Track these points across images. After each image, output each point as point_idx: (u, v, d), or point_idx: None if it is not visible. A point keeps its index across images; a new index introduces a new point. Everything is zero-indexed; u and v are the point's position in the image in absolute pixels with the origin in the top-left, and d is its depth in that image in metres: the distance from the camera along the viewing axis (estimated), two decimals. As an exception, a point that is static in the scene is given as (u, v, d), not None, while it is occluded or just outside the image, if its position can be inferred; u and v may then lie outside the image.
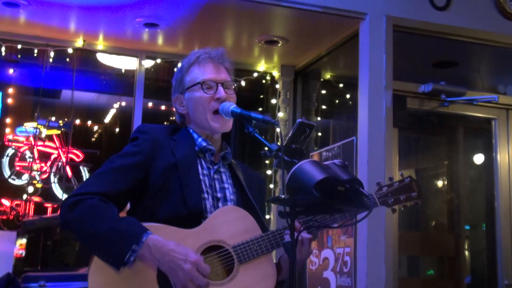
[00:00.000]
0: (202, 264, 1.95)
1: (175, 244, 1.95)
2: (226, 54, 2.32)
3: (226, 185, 2.23)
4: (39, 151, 5.80)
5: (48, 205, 5.67)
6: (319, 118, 5.65)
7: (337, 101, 5.75)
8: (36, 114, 5.70)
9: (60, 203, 2.07)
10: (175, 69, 2.37)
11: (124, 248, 1.92)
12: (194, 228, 2.06)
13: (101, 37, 5.20)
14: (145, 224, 2.00)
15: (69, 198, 2.02)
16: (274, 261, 2.18)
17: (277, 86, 5.70)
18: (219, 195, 2.20)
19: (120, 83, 6.23)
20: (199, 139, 2.24)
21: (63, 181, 5.72)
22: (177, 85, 2.30)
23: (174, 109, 2.35)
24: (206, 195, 2.15)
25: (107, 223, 1.95)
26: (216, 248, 2.06)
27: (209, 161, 2.24)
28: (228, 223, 2.09)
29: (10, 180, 5.77)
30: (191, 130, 2.28)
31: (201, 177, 2.17)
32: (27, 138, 5.78)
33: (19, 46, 5.16)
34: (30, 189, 5.63)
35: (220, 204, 2.18)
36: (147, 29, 4.97)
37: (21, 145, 5.79)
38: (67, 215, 1.99)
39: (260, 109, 5.96)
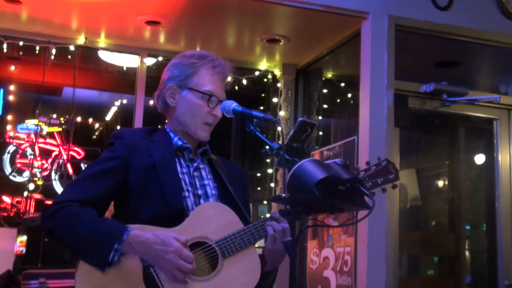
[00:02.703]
0: (184, 251, 1.96)
1: (154, 235, 1.97)
2: (232, 71, 2.33)
3: (206, 181, 2.24)
4: (40, 148, 5.80)
5: (49, 202, 5.66)
6: (320, 117, 5.64)
7: (338, 100, 5.75)
8: (37, 111, 5.70)
9: (42, 214, 2.09)
10: (180, 56, 2.31)
11: (107, 249, 1.95)
12: (176, 227, 2.06)
13: (103, 34, 5.20)
14: (129, 226, 2.02)
15: (48, 208, 2.05)
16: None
17: (279, 84, 5.70)
18: (200, 192, 2.20)
19: (121, 80, 6.22)
20: (175, 138, 2.25)
21: (64, 179, 5.72)
22: (180, 77, 2.26)
23: (157, 94, 2.31)
24: (187, 193, 2.16)
25: (87, 226, 1.98)
26: (200, 245, 2.07)
27: (187, 159, 2.25)
28: (210, 219, 2.10)
29: (11, 177, 5.77)
30: (168, 130, 2.28)
31: (180, 175, 2.18)
32: (28, 135, 5.78)
33: (21, 43, 5.16)
34: (31, 186, 5.62)
35: (201, 201, 2.18)
36: (149, 27, 4.97)
37: (22, 142, 5.78)
38: (48, 224, 2.03)
39: (262, 107, 5.96)
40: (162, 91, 2.29)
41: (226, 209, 2.14)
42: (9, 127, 5.95)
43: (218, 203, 2.17)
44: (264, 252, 2.19)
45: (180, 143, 2.24)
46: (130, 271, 1.99)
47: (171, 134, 2.26)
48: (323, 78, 5.64)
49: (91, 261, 1.98)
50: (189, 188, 2.18)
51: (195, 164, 2.25)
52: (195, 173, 2.24)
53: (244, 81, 5.61)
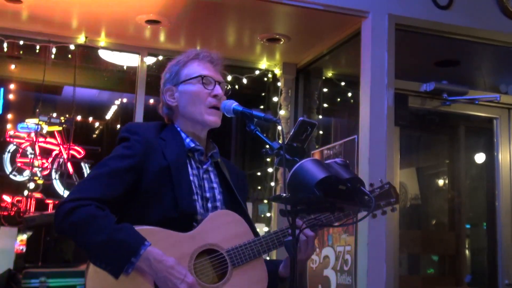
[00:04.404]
0: (197, 287, 1.98)
1: (175, 262, 1.97)
2: (223, 61, 2.34)
3: (214, 185, 2.24)
4: (40, 148, 5.80)
5: (49, 201, 5.67)
6: (320, 116, 5.65)
7: (338, 99, 5.75)
8: (37, 110, 5.70)
9: (55, 209, 2.01)
10: (169, 63, 2.35)
11: (123, 260, 1.93)
12: (189, 232, 2.07)
13: (103, 33, 5.20)
14: (142, 227, 2.00)
15: (64, 204, 1.99)
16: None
17: (279, 84, 5.70)
18: (208, 195, 2.20)
19: (121, 80, 6.22)
20: (187, 139, 2.23)
21: (64, 178, 5.72)
22: (171, 77, 2.29)
23: (160, 105, 2.32)
24: (196, 197, 2.15)
25: (105, 233, 1.94)
26: (210, 252, 2.08)
27: (198, 160, 2.24)
28: (222, 227, 2.11)
29: (11, 176, 5.77)
30: (178, 129, 2.26)
31: (191, 177, 2.17)
32: (29, 134, 5.78)
33: (21, 42, 5.16)
34: (31, 185, 5.62)
35: (209, 204, 2.18)
36: (149, 26, 4.97)
37: (23, 141, 5.79)
38: (63, 222, 1.97)
39: (262, 107, 5.96)
40: (162, 98, 2.30)
41: (239, 219, 2.15)
42: (9, 126, 5.96)
43: (231, 212, 2.17)
44: (285, 261, 2.22)
45: (192, 145, 2.22)
46: (142, 274, 1.97)
47: (183, 134, 2.24)
48: (323, 77, 5.64)
49: (105, 268, 1.95)
50: (198, 191, 2.17)
51: (205, 166, 2.25)
52: (205, 175, 2.24)
53: (244, 80, 5.61)
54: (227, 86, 2.31)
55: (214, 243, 2.08)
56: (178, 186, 2.10)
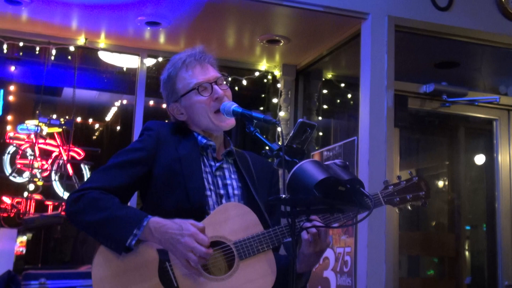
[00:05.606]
0: (200, 235, 1.97)
1: (171, 221, 2.00)
2: (206, 50, 2.33)
3: (229, 181, 2.25)
4: (40, 149, 5.80)
5: (49, 203, 5.67)
6: (320, 118, 5.65)
7: (338, 100, 5.75)
8: (37, 112, 5.70)
9: (66, 199, 2.14)
10: (161, 78, 2.35)
11: (126, 233, 1.99)
12: None
13: (103, 35, 5.21)
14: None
15: (73, 193, 2.10)
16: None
17: (279, 85, 5.70)
18: (222, 192, 2.22)
19: (121, 81, 6.23)
20: (199, 137, 2.27)
21: (64, 179, 5.72)
22: (170, 94, 2.32)
23: (172, 118, 2.36)
24: (209, 192, 2.18)
25: (109, 211, 2.03)
26: (218, 244, 2.08)
27: (211, 158, 2.27)
28: (230, 219, 2.11)
29: (11, 177, 5.76)
30: (192, 129, 2.31)
31: (203, 175, 2.20)
32: (28, 135, 5.77)
33: (21, 44, 5.16)
34: (31, 187, 5.62)
35: (223, 201, 2.20)
36: (149, 28, 4.97)
37: (22, 142, 5.78)
38: (71, 208, 2.08)
39: (261, 108, 5.96)
40: (172, 116, 2.36)
41: (248, 211, 2.15)
42: (9, 127, 5.95)
43: (241, 204, 2.18)
44: (299, 255, 2.17)
45: (204, 141, 2.26)
46: (146, 263, 2.02)
47: (195, 133, 2.29)
48: (323, 79, 5.64)
49: (110, 244, 2.02)
50: (212, 187, 2.20)
51: (218, 164, 2.27)
52: (218, 173, 2.25)
53: (244, 82, 5.61)
54: (227, 78, 2.32)
55: (221, 235, 2.08)
56: (189, 179, 2.14)
